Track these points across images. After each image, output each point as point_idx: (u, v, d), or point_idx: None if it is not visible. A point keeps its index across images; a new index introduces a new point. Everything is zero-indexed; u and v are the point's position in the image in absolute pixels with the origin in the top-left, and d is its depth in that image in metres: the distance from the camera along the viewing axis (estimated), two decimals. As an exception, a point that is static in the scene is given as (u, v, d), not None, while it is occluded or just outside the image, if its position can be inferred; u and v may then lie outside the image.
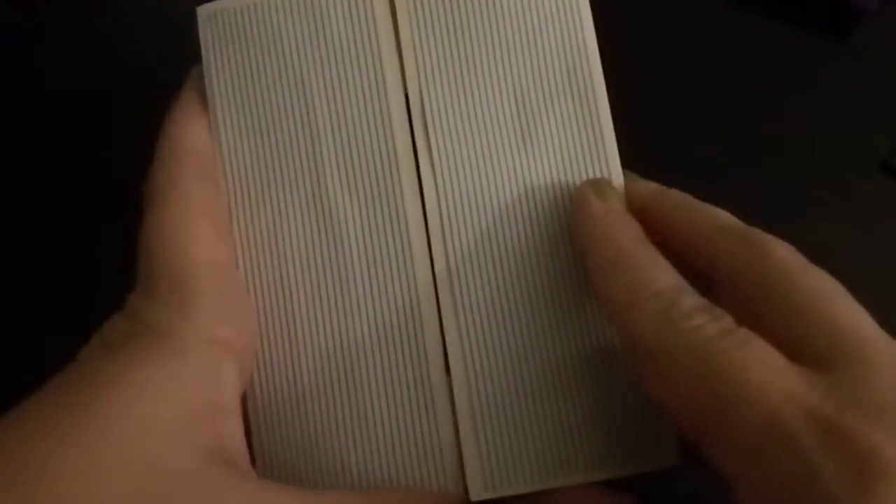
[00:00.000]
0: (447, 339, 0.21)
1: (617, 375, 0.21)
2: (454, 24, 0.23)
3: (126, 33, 0.36)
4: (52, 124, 0.35)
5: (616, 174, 0.23)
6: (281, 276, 0.22)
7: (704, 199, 0.22)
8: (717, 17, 0.36)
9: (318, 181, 0.22)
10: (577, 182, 0.22)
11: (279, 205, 0.22)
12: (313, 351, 0.22)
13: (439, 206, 0.22)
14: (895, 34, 0.36)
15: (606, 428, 0.21)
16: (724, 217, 0.21)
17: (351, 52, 0.23)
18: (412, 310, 0.22)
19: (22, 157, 0.34)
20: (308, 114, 0.23)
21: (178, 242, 0.20)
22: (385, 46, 0.23)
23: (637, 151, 0.24)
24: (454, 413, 0.21)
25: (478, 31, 0.23)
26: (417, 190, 0.22)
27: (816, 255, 0.19)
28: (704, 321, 0.18)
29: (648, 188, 0.22)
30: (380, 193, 0.22)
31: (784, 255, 0.19)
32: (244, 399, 0.22)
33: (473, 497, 0.21)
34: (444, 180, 0.22)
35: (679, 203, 0.21)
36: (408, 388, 0.21)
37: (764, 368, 0.17)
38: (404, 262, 0.22)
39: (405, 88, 0.23)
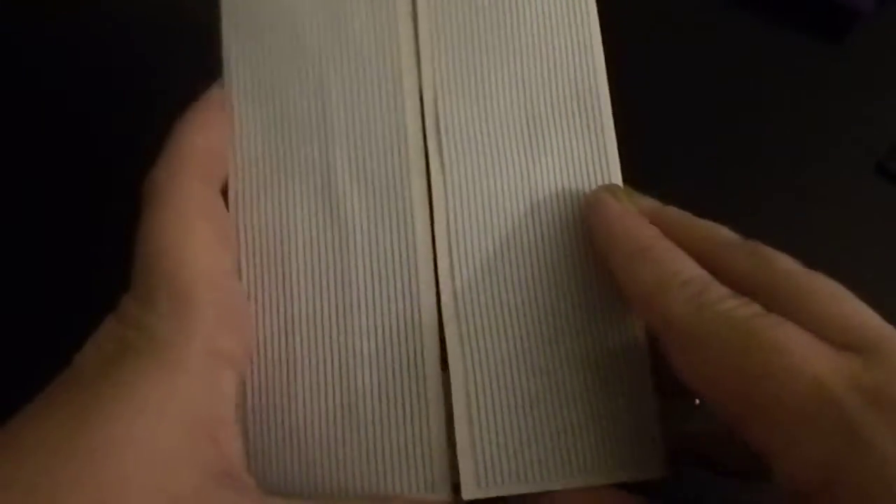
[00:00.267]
0: (447, 336, 0.21)
1: (615, 381, 0.21)
2: (472, 30, 0.23)
3: (126, 32, 0.36)
4: (51, 124, 0.35)
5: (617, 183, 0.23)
6: (283, 268, 0.22)
7: (703, 198, 0.22)
8: (716, 17, 0.36)
9: (329, 174, 0.22)
10: (582, 190, 0.23)
11: (287, 195, 0.22)
12: (310, 348, 0.22)
13: (447, 207, 0.22)
14: (891, 36, 0.36)
15: (603, 433, 0.21)
16: (724, 232, 0.21)
17: (370, 49, 0.23)
18: (412, 308, 0.22)
19: (22, 156, 0.34)
20: (323, 106, 0.23)
21: (176, 247, 0.19)
22: (405, 47, 0.23)
23: (637, 152, 0.24)
24: (448, 413, 0.21)
25: (494, 37, 0.23)
26: (426, 189, 0.22)
27: (813, 256, 0.20)
28: (738, 304, 0.18)
29: (649, 203, 0.23)
30: (388, 190, 0.22)
31: (787, 263, 0.19)
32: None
33: (465, 495, 0.21)
34: (453, 182, 0.22)
35: (677, 219, 0.22)
36: (403, 385, 0.21)
37: (807, 343, 0.17)
38: (408, 258, 0.22)
39: (420, 90, 0.23)
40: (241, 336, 0.21)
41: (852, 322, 0.18)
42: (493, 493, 0.21)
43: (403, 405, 0.21)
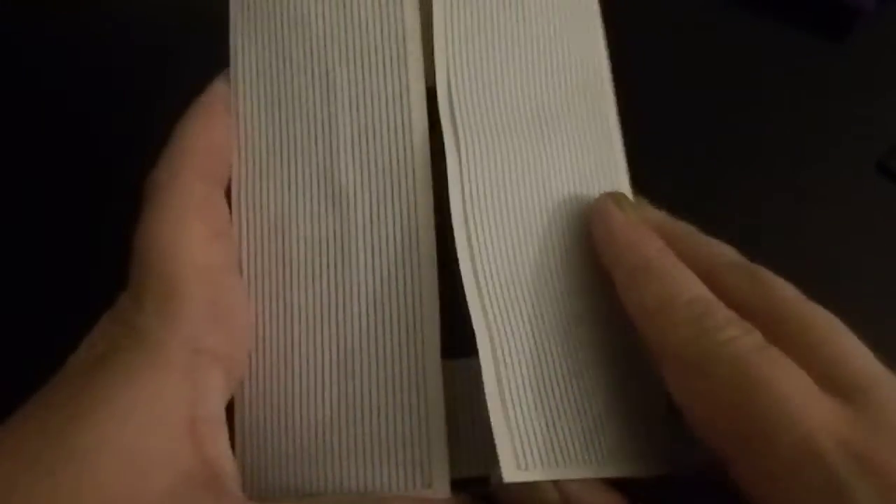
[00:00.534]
0: (473, 318, 0.21)
1: (636, 366, 0.21)
2: (485, 17, 0.23)
3: (126, 32, 0.36)
4: (51, 124, 0.35)
5: (625, 189, 0.23)
6: (284, 256, 0.22)
7: (703, 199, 0.22)
8: (716, 17, 0.36)
9: (332, 162, 0.22)
10: (593, 181, 0.23)
11: (289, 180, 0.22)
12: (309, 336, 0.21)
13: (462, 192, 0.22)
14: (892, 35, 0.36)
15: (629, 422, 0.21)
16: (729, 253, 0.21)
17: (376, 36, 0.23)
18: (413, 298, 0.21)
19: (22, 156, 0.34)
20: (328, 94, 0.23)
21: (170, 245, 0.19)
22: (410, 34, 0.23)
23: (637, 152, 0.24)
24: (449, 406, 0.21)
25: (506, 25, 0.23)
26: (430, 178, 0.22)
27: (813, 257, 0.20)
28: (739, 333, 0.18)
29: (655, 216, 0.22)
30: (391, 179, 0.22)
31: (788, 291, 0.19)
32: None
33: (507, 478, 0.20)
34: (469, 169, 0.22)
35: (684, 235, 0.21)
36: (402, 376, 0.21)
37: (803, 391, 0.17)
38: (409, 248, 0.22)
39: (428, 77, 0.23)
40: (231, 334, 0.20)
41: (846, 364, 0.18)
42: (533, 478, 0.20)
43: (402, 396, 0.21)
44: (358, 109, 0.23)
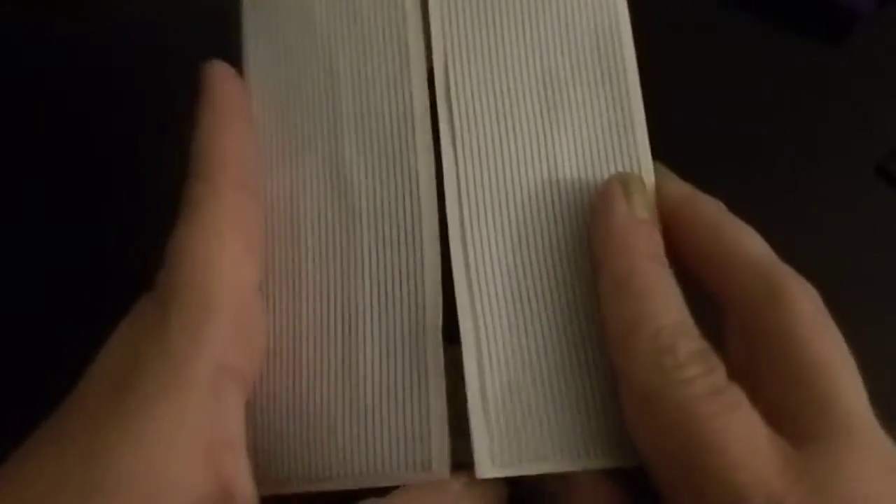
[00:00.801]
0: (458, 306, 0.21)
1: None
2: None
3: (126, 32, 0.36)
4: (52, 124, 0.35)
5: (645, 161, 0.22)
6: (291, 244, 0.22)
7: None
8: (716, 17, 0.36)
9: (336, 149, 0.22)
10: (603, 160, 0.22)
11: (296, 172, 0.23)
12: (315, 323, 0.21)
13: (458, 177, 0.22)
14: (891, 37, 0.36)
15: (614, 415, 0.20)
16: (754, 246, 0.20)
17: (378, 23, 0.23)
18: (416, 283, 0.21)
19: (22, 156, 0.34)
20: (332, 82, 0.23)
21: (203, 260, 0.19)
22: (412, 19, 0.23)
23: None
24: (450, 391, 0.21)
25: (506, 2, 0.23)
26: (433, 163, 0.22)
27: (813, 257, 0.19)
28: (696, 374, 0.18)
29: (680, 191, 0.21)
30: (395, 165, 0.22)
31: (802, 308, 0.18)
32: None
33: (480, 474, 0.20)
34: (464, 152, 0.22)
35: (708, 219, 0.20)
36: (404, 360, 0.21)
37: (743, 444, 0.17)
38: (413, 235, 0.22)
39: (429, 59, 0.23)
40: (252, 354, 0.20)
41: (831, 402, 0.17)
42: (508, 473, 0.20)
43: (404, 380, 0.21)
44: (360, 97, 0.23)
